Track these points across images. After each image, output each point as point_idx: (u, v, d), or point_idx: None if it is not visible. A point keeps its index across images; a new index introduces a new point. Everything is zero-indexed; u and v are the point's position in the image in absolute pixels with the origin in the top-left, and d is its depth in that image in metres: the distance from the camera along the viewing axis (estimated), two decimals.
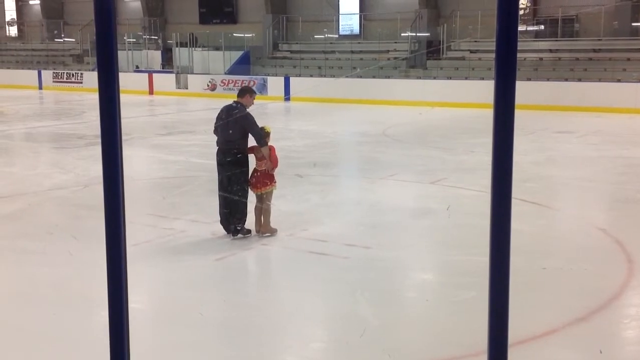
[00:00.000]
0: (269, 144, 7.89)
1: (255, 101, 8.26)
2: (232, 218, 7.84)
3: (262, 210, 7.88)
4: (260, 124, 8.02)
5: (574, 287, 6.43)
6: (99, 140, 1.68)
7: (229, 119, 7.83)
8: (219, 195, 7.94)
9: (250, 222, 7.94)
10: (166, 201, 10.10)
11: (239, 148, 7.83)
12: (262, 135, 7.79)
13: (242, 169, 7.83)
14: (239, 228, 7.85)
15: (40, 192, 10.66)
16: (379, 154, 14.50)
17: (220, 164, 7.88)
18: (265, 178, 7.87)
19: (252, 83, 27.90)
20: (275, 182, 7.95)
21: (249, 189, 7.92)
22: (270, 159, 7.81)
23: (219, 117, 8.04)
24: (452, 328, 5.51)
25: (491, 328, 1.65)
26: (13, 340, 5.31)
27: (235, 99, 8.08)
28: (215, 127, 8.06)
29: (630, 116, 20.52)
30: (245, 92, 8.11)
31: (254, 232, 7.92)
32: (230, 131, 7.79)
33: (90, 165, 12.80)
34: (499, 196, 1.61)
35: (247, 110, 7.95)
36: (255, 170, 7.94)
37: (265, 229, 7.90)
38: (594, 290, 6.28)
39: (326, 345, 5.42)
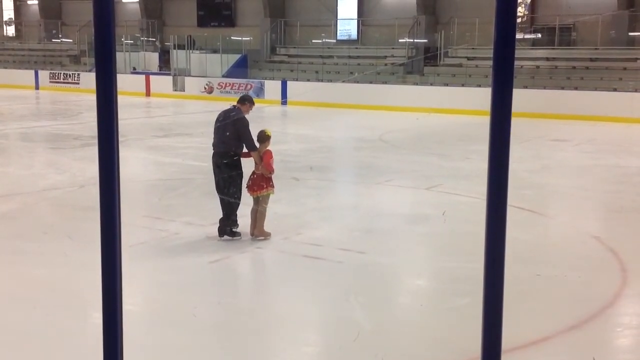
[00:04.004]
0: (268, 148, 7.89)
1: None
2: (227, 220, 7.85)
3: (257, 213, 7.87)
4: (257, 127, 8.03)
5: (568, 295, 6.44)
6: (95, 141, 1.68)
7: (226, 121, 7.86)
8: (219, 197, 7.94)
9: (246, 224, 7.93)
10: (161, 203, 10.09)
11: (235, 150, 7.84)
12: (253, 142, 7.80)
13: (237, 172, 7.84)
14: (234, 230, 7.86)
15: (36, 192, 10.64)
16: (375, 159, 14.50)
17: (217, 166, 7.89)
18: (262, 181, 7.85)
19: (249, 86, 27.89)
20: (272, 186, 7.92)
21: (247, 192, 7.92)
22: (262, 164, 7.80)
23: (217, 120, 8.05)
24: (446, 334, 5.52)
25: (485, 334, 1.65)
26: (6, 340, 5.29)
27: (235, 104, 8.10)
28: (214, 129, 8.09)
29: (626, 125, 20.56)
30: (246, 101, 8.15)
31: (248, 235, 7.92)
32: (227, 133, 7.82)
33: (86, 165, 12.76)
34: (494, 203, 1.61)
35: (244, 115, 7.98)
36: (253, 173, 7.94)
37: (259, 232, 7.89)
38: (587, 298, 6.29)
39: (319, 349, 5.42)
